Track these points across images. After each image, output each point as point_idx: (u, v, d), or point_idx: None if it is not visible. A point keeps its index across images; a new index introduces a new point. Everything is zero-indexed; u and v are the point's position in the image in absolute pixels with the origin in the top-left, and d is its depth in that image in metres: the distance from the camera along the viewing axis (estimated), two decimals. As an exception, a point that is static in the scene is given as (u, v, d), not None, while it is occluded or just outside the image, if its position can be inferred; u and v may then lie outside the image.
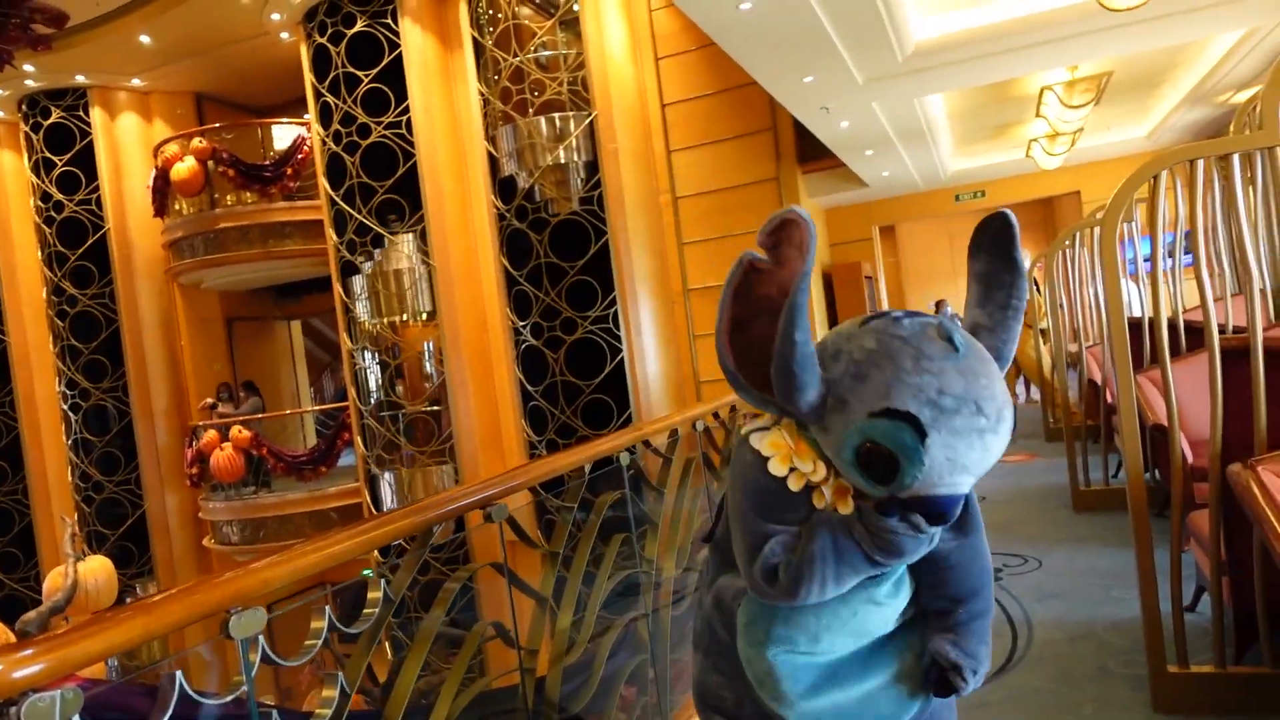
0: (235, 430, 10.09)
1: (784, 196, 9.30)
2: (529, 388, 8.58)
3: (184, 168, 10.13)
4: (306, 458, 10.25)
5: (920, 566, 1.30)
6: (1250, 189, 4.09)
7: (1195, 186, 2.53)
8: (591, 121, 8.36)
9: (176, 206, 10.65)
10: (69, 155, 10.92)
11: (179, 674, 1.27)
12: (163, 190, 10.48)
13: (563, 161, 8.47)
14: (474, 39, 8.66)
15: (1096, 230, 5.28)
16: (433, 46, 9.05)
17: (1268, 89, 2.34)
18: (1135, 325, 4.65)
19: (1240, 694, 2.55)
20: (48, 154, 10.96)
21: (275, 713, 1.44)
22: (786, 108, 6.59)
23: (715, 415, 3.77)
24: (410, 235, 8.86)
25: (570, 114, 8.42)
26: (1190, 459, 3.34)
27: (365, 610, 1.66)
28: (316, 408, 11.67)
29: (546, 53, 8.59)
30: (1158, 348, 2.73)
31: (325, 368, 16.67)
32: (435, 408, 8.98)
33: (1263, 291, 4.21)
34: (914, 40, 5.23)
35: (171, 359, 11.25)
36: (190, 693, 1.28)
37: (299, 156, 10.33)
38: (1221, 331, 2.75)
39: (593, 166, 8.44)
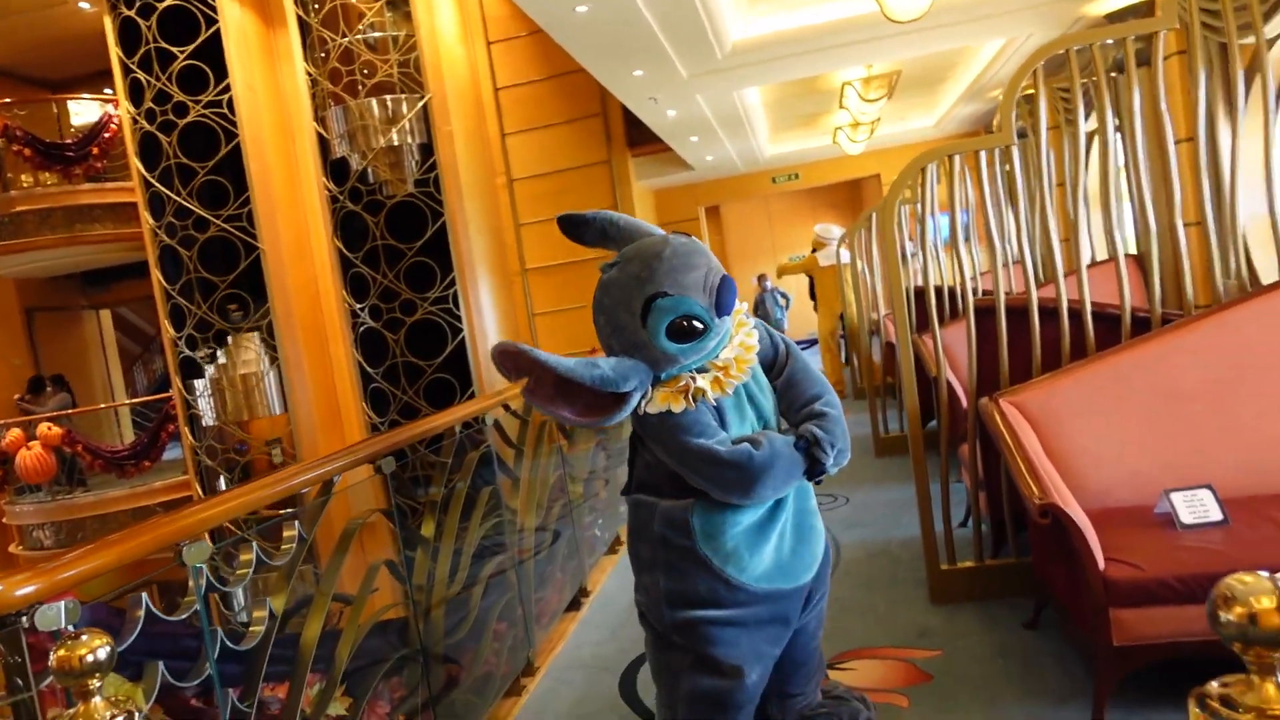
0: (43, 427, 9.45)
1: (615, 179, 9.72)
2: (369, 369, 8.60)
3: (-31, 145, 9.32)
4: (128, 453, 9.75)
5: (782, 393, 1.96)
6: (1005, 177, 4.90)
7: (953, 177, 3.11)
8: (425, 104, 8.43)
9: (-39, 187, 9.77)
10: None
11: (144, 595, 1.51)
12: (-56, 170, 9.60)
13: (396, 144, 8.47)
14: (299, 17, 8.49)
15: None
16: (253, 23, 8.79)
17: (1003, 99, 2.94)
18: (921, 293, 5.40)
19: (995, 581, 3.20)
20: None
21: (220, 631, 1.67)
22: (617, 97, 6.99)
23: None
24: (256, 333, 8.67)
25: (403, 96, 8.44)
26: (965, 404, 4.01)
27: (283, 547, 1.91)
28: (135, 400, 11.05)
29: (376, 34, 8.54)
30: (926, 311, 3.34)
31: (137, 359, 15.66)
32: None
33: (1018, 262, 5.04)
34: (731, 40, 5.76)
35: (-40, 353, 10.34)
36: (155, 611, 1.52)
37: (106, 135, 9.72)
38: (988, 295, 3.38)
39: (427, 149, 8.51)
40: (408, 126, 8.42)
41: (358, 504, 2.86)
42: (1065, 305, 3.09)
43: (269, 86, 8.91)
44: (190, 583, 1.65)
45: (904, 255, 6.42)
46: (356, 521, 2.21)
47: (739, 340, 1.85)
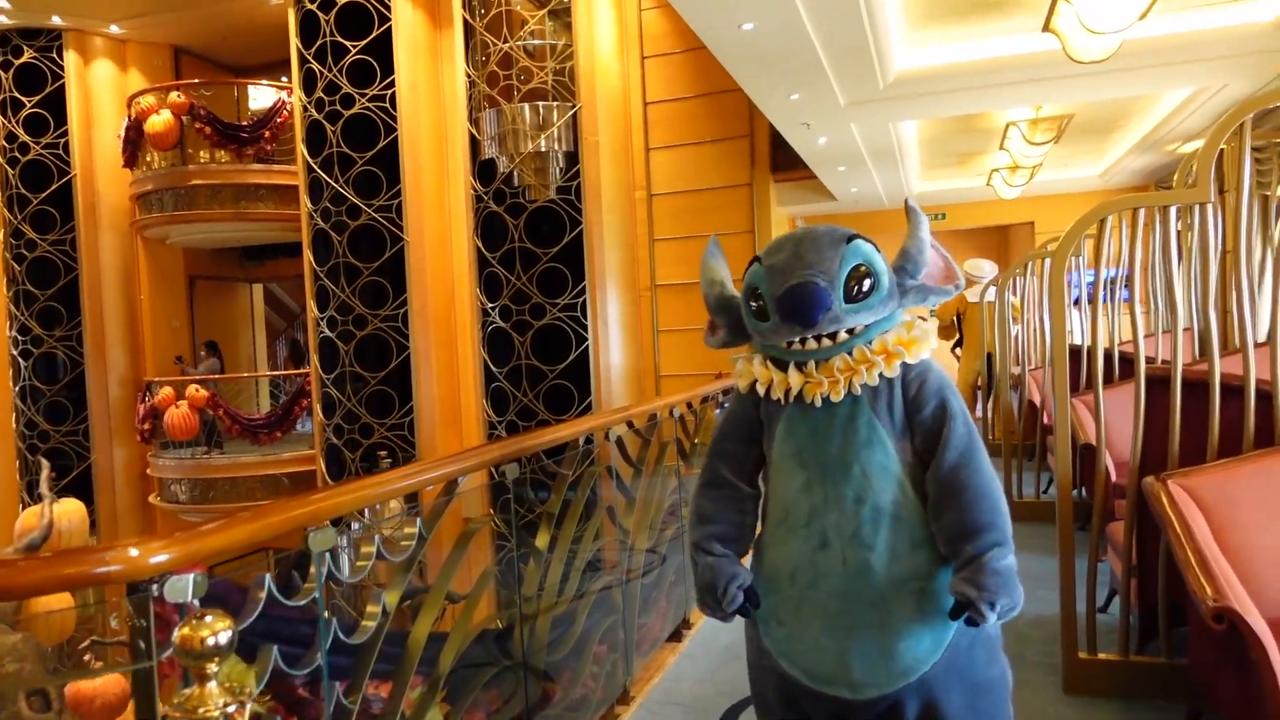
0: (192, 389, 10.08)
1: (756, 203, 9.60)
2: (493, 368, 8.75)
3: (159, 120, 10.06)
4: (263, 421, 10.28)
5: (933, 498, 1.64)
6: (1188, 236, 4.51)
7: (1136, 231, 2.86)
8: (575, 113, 8.55)
9: (148, 159, 10.57)
10: (38, 97, 10.75)
11: (268, 577, 1.50)
12: (135, 141, 10.39)
13: (543, 150, 8.60)
14: (465, 20, 8.79)
15: (1047, 261, 5.68)
16: (423, 24, 9.16)
17: (1204, 150, 2.67)
18: (1075, 352, 5.05)
19: (1140, 680, 2.90)
20: (16, 94, 10.77)
21: (335, 621, 1.65)
22: (769, 119, 6.89)
23: (689, 405, 4.04)
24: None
25: (554, 104, 8.58)
26: (1114, 477, 3.69)
27: (403, 543, 1.89)
28: (278, 372, 11.65)
29: (535, 41, 8.74)
30: (1092, 374, 3.07)
31: (280, 333, 16.58)
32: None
33: (1188, 330, 4.63)
34: (895, 70, 5.57)
35: (130, 312, 11.15)
36: (276, 594, 1.50)
37: (278, 120, 10.33)
38: (1150, 363, 3.10)
39: (572, 157, 8.63)
40: (556, 134, 8.56)
41: (467, 507, 2.86)
42: (1254, 383, 2.79)
43: (430, 85, 9.27)
44: (311, 569, 1.64)
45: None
46: (477, 523, 2.17)
47: (856, 356, 1.61)
